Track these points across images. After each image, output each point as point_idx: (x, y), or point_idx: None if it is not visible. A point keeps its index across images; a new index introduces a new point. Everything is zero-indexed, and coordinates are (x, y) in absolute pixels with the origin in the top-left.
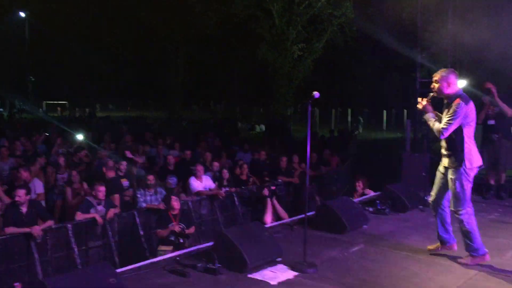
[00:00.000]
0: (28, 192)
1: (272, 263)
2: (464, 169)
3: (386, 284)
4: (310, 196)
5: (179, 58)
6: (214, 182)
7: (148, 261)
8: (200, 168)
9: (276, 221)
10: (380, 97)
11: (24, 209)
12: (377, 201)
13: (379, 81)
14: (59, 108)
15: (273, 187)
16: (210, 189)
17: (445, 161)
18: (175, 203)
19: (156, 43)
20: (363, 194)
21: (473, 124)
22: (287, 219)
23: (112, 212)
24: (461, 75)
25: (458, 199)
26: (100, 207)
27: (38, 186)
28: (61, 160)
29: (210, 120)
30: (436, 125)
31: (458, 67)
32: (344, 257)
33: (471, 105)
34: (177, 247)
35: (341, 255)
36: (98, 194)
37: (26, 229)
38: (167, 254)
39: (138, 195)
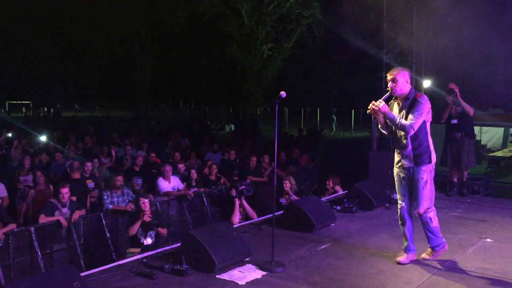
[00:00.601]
0: None
1: (240, 263)
2: (431, 166)
3: (353, 281)
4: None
5: (146, 57)
6: (182, 182)
7: (114, 263)
8: (168, 168)
9: (245, 221)
10: (348, 96)
11: None
12: (345, 200)
13: (347, 80)
14: (23, 108)
15: (242, 187)
16: (178, 190)
17: (405, 162)
18: (146, 205)
19: (123, 41)
20: (334, 192)
21: (430, 120)
22: (256, 219)
23: (77, 214)
24: (425, 75)
25: (428, 199)
26: (64, 210)
27: (1, 189)
28: (26, 162)
29: (178, 119)
30: (403, 122)
31: (422, 67)
32: (311, 256)
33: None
34: (145, 248)
35: (308, 253)
36: (62, 196)
37: None
38: (135, 256)
39: (105, 197)
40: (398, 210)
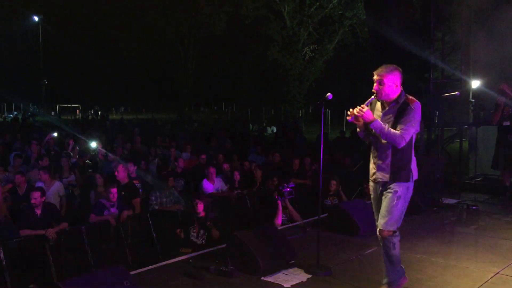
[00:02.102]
0: (43, 194)
1: (285, 265)
2: (410, 184)
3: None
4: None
5: (189, 60)
6: (226, 184)
7: (162, 263)
8: (212, 170)
9: (290, 223)
10: None
11: (38, 211)
12: None
13: None
14: (77, 111)
15: (285, 189)
16: (222, 191)
17: (380, 175)
18: (200, 206)
19: (167, 45)
20: None
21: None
22: (300, 221)
23: (125, 214)
24: (474, 75)
25: (397, 219)
26: (113, 209)
27: (60, 189)
28: (65, 164)
29: (220, 121)
30: (392, 132)
31: (470, 68)
32: (357, 260)
33: None
34: (197, 249)
35: (354, 257)
36: (112, 196)
37: (41, 232)
38: (183, 256)
39: (153, 198)
40: (378, 233)
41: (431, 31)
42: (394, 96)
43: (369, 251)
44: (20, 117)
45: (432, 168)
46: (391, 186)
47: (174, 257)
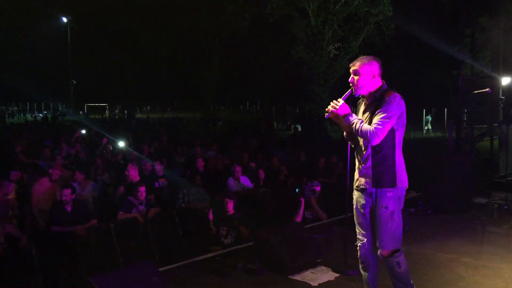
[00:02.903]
0: (73, 191)
1: (312, 264)
2: (398, 192)
3: (430, 287)
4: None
5: (213, 59)
6: (251, 182)
7: (190, 260)
8: (238, 168)
9: (315, 222)
10: (417, 95)
11: (69, 208)
12: (419, 202)
13: (416, 78)
14: (106, 110)
15: (310, 187)
16: (248, 189)
17: (363, 182)
18: (230, 204)
19: (191, 45)
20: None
21: (403, 129)
22: (326, 220)
23: (152, 211)
24: (504, 72)
25: (396, 236)
26: (141, 207)
27: (95, 189)
28: (100, 162)
29: (245, 120)
30: (365, 126)
31: (500, 64)
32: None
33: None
34: (225, 247)
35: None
36: (140, 194)
37: (70, 228)
38: (210, 253)
39: (180, 195)
40: (358, 249)
41: (461, 28)
42: (371, 88)
43: None
44: (49, 116)
45: (462, 167)
46: (380, 197)
47: (202, 255)
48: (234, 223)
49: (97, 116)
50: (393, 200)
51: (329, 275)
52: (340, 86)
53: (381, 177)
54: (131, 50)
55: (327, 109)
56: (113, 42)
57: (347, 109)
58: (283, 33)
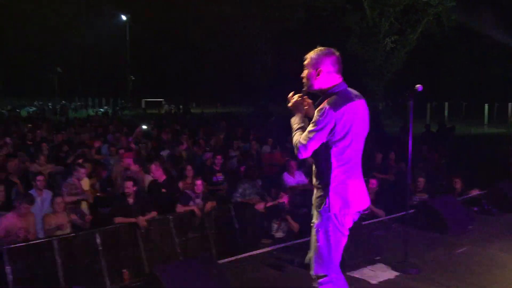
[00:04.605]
0: (135, 183)
1: (371, 261)
2: (330, 213)
3: None
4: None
5: (266, 54)
6: (306, 177)
7: (246, 254)
8: (293, 163)
9: (372, 219)
10: (480, 89)
11: (131, 200)
12: (483, 200)
13: (479, 72)
14: (165, 105)
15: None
16: (303, 185)
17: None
18: (284, 198)
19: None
20: (462, 192)
21: (353, 145)
22: (383, 217)
23: (209, 205)
24: None
25: (320, 259)
26: (198, 200)
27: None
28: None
29: None
30: (296, 137)
31: None
32: (448, 259)
33: (351, 111)
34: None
35: (444, 256)
36: (196, 188)
37: (132, 219)
38: (267, 248)
39: (240, 190)
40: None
41: None
42: (320, 86)
43: (460, 250)
44: (110, 111)
45: None
46: (313, 214)
47: (256, 249)
48: (286, 217)
49: (154, 111)
50: (322, 219)
51: (388, 273)
52: (396, 80)
53: (318, 194)
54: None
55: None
56: (169, 38)
57: (297, 108)
58: (336, 26)
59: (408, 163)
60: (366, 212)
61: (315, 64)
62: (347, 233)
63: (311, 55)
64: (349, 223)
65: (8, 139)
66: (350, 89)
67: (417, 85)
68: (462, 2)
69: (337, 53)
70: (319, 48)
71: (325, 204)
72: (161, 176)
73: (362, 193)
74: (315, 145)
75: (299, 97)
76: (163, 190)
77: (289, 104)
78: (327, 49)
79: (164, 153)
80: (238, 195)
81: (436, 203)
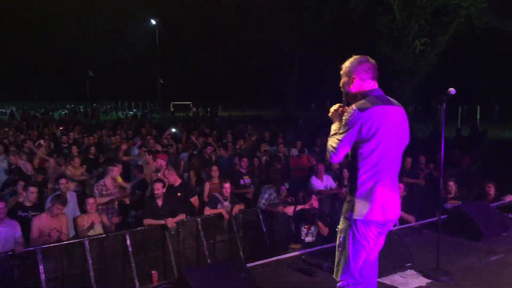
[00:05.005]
0: (164, 185)
1: (401, 268)
2: (355, 220)
3: None
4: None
5: (294, 58)
6: (335, 181)
7: (274, 258)
8: (321, 167)
9: (402, 224)
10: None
11: (160, 202)
12: None
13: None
14: (194, 108)
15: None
16: (331, 189)
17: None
18: (315, 202)
19: (272, 43)
20: (495, 198)
21: (381, 150)
22: (414, 223)
23: (237, 208)
24: None
25: (340, 263)
26: (226, 203)
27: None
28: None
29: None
30: (328, 142)
31: None
32: (482, 266)
33: (379, 114)
34: (306, 245)
35: (478, 264)
36: (225, 191)
37: (162, 221)
38: (295, 252)
39: (266, 195)
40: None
41: None
42: (355, 93)
43: (495, 258)
44: (139, 114)
45: None
46: (339, 221)
47: (285, 253)
48: (315, 221)
49: (182, 114)
50: (346, 225)
51: (419, 280)
52: (426, 83)
53: (347, 199)
54: (214, 50)
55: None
56: (197, 42)
57: (336, 116)
58: (365, 29)
59: (441, 167)
60: (394, 222)
61: (349, 72)
62: (370, 245)
63: (345, 64)
64: (373, 235)
65: (42, 141)
66: (384, 96)
67: (450, 88)
68: (494, 3)
69: (372, 61)
70: (354, 57)
71: (349, 210)
72: (176, 180)
73: (392, 203)
74: (344, 148)
75: (339, 106)
76: (179, 194)
77: (329, 114)
78: (361, 57)
79: (184, 155)
80: (263, 201)
81: (469, 208)
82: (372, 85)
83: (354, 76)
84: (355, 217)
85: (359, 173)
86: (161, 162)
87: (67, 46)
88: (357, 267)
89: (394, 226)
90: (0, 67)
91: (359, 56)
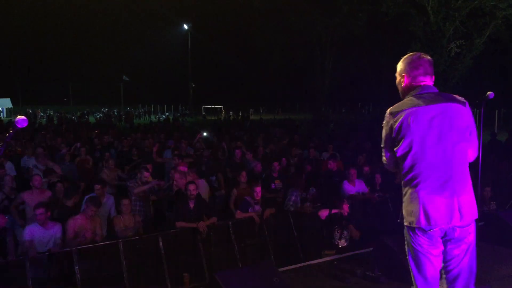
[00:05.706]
0: (197, 187)
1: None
2: (405, 227)
3: None
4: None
5: (326, 60)
6: (367, 186)
7: (307, 263)
8: (353, 172)
9: None
10: None
11: (192, 204)
12: None
13: None
14: (223, 111)
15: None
16: (363, 194)
17: None
18: (345, 207)
19: (304, 46)
20: None
21: (416, 153)
22: None
23: (268, 212)
24: None
25: (411, 273)
26: (257, 207)
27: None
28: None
29: (360, 122)
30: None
31: None
32: None
33: (409, 116)
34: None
35: None
36: (256, 194)
37: (193, 224)
38: (327, 257)
39: (292, 197)
40: None
41: None
42: (406, 91)
43: None
44: (171, 117)
45: None
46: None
47: (317, 257)
48: (347, 226)
49: (213, 118)
50: (404, 233)
51: None
52: (462, 86)
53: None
54: (245, 54)
55: None
56: (228, 46)
57: None
58: (399, 32)
59: (479, 172)
60: (442, 228)
61: (400, 70)
62: (430, 253)
63: (399, 63)
64: (424, 242)
65: (78, 144)
66: (433, 93)
67: (489, 92)
68: None
69: (425, 56)
70: (407, 54)
71: (401, 215)
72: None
73: (439, 209)
74: (386, 153)
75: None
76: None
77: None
78: (413, 54)
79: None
80: (291, 203)
81: (507, 215)
82: (422, 82)
83: (404, 74)
84: (405, 223)
85: (401, 178)
86: (182, 169)
87: (102, 52)
88: (417, 274)
89: None
90: (39, 72)
91: (411, 53)
